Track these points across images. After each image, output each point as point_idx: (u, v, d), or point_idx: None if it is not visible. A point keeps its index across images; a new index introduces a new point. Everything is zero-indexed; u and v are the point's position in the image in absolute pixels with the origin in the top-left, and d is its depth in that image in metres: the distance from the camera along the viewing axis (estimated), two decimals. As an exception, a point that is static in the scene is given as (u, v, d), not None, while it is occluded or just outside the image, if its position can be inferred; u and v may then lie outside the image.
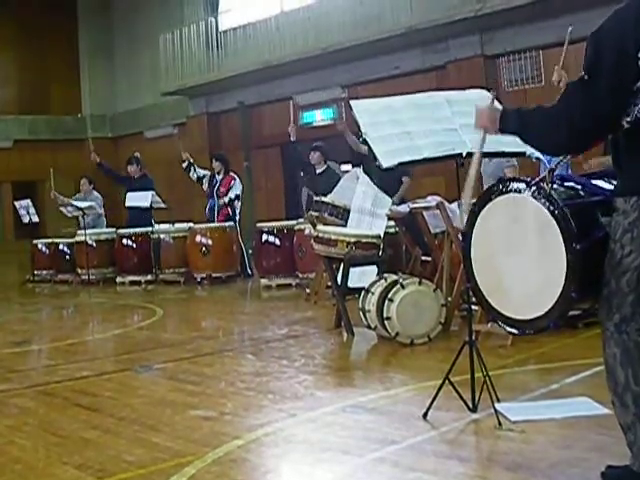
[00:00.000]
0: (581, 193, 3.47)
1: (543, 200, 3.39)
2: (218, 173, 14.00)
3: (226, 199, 13.75)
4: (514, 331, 3.72)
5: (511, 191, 3.59)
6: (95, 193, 15.72)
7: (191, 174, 14.34)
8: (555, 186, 3.44)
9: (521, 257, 3.58)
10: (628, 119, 3.05)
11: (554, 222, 3.32)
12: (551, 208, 3.34)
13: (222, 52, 21.02)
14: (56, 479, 4.05)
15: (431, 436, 4.34)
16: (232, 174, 14.05)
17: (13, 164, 24.49)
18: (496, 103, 3.70)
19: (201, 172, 14.29)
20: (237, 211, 14.01)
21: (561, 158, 3.88)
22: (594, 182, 3.51)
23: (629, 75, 3.00)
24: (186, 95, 22.39)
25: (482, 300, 3.84)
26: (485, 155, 6.26)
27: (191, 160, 14.36)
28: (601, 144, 3.60)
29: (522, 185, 3.53)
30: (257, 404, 5.28)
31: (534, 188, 3.45)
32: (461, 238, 4.04)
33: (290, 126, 11.70)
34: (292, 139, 11.79)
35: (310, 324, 8.57)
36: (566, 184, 3.51)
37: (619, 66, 3.01)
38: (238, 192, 13.85)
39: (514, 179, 3.65)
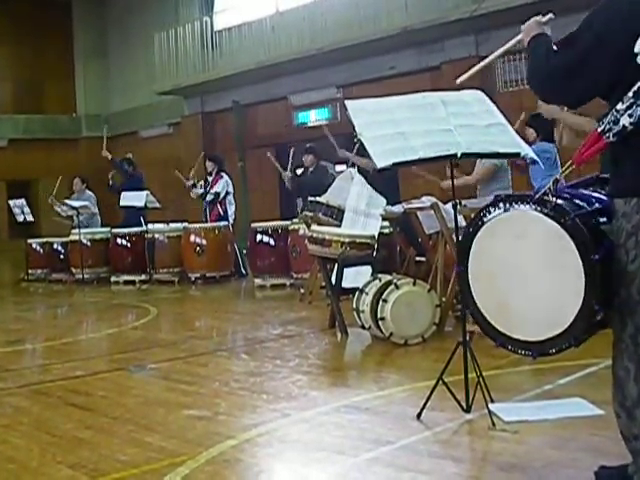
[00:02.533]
0: (579, 203, 3.34)
1: (551, 213, 3.25)
2: (210, 174, 14.02)
3: (209, 197, 13.77)
4: (528, 354, 3.50)
5: (511, 209, 3.44)
6: (88, 192, 15.72)
7: (192, 194, 14.35)
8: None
9: (529, 275, 3.40)
10: (631, 120, 3.00)
11: (566, 234, 3.19)
12: (562, 220, 3.21)
13: (217, 52, 21.01)
14: (50, 478, 4.05)
15: (425, 436, 4.34)
16: (221, 174, 14.03)
17: (7, 163, 24.45)
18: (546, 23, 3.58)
19: (200, 186, 14.25)
20: (230, 211, 14.00)
21: (566, 167, 3.84)
22: (583, 191, 3.43)
23: (622, 71, 3.00)
24: (181, 95, 22.39)
25: (486, 325, 3.65)
26: (479, 156, 6.28)
27: (195, 183, 14.34)
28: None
29: (524, 200, 3.39)
30: (251, 404, 5.28)
31: (539, 201, 3.31)
32: (457, 261, 3.87)
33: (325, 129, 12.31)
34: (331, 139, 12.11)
35: (304, 324, 8.57)
36: (562, 195, 3.37)
37: (603, 49, 3.02)
38: (218, 190, 13.79)
39: (512, 196, 3.49)
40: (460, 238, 3.76)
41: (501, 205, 3.50)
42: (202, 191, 13.97)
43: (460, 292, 3.89)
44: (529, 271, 3.41)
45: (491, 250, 3.57)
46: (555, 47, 3.23)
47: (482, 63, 4.06)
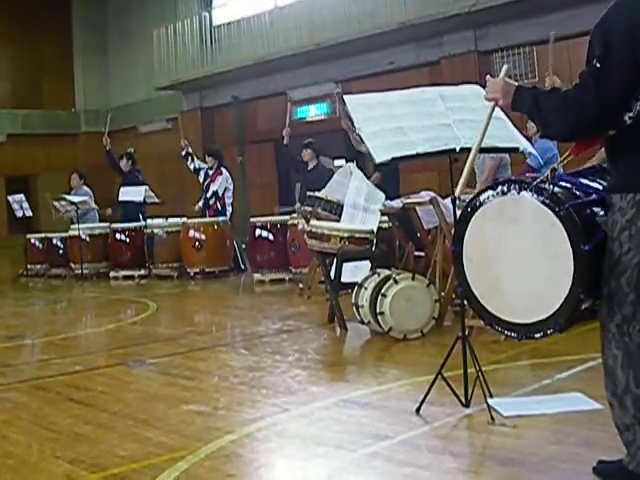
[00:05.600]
0: (576, 192, 3.38)
1: (547, 201, 3.30)
2: (211, 168, 14.03)
3: (208, 194, 13.78)
4: (513, 335, 3.59)
5: (509, 192, 3.50)
6: (85, 188, 15.68)
7: (189, 163, 14.37)
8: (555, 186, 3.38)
9: (521, 259, 3.49)
10: (630, 114, 3.03)
11: (559, 223, 3.25)
12: (556, 209, 3.26)
13: (216, 47, 21.01)
14: (49, 473, 4.05)
15: (424, 431, 4.34)
16: (221, 169, 14.03)
17: (6, 158, 24.45)
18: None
19: (199, 164, 14.29)
20: (227, 206, 13.99)
21: (564, 157, 3.85)
22: (583, 181, 3.48)
23: (638, 66, 2.98)
24: (180, 90, 22.38)
25: (476, 305, 3.74)
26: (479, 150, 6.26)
27: (189, 150, 14.38)
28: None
29: (522, 186, 3.44)
30: (250, 399, 5.28)
31: (536, 188, 3.36)
32: (452, 241, 3.93)
33: (285, 130, 11.96)
34: (285, 142, 12.05)
35: (303, 319, 8.57)
36: (559, 183, 3.42)
37: (629, 57, 2.98)
38: (216, 188, 13.79)
39: (511, 180, 3.54)
40: (457, 218, 3.81)
41: (499, 189, 3.56)
42: (200, 166, 13.98)
43: (455, 270, 3.94)
44: (521, 255, 3.50)
45: (486, 232, 3.65)
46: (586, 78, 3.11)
47: (469, 162, 3.75)
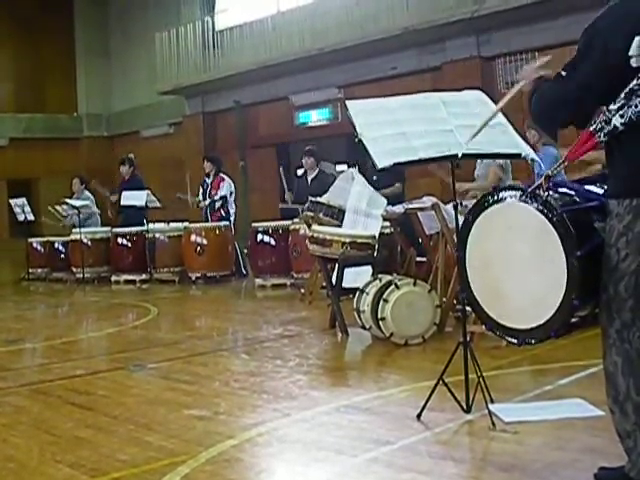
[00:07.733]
0: (576, 199, 3.41)
1: (541, 207, 3.34)
2: (207, 175, 13.98)
3: (217, 204, 13.69)
4: (513, 341, 3.61)
5: (507, 199, 3.54)
6: (87, 193, 15.70)
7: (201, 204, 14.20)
8: (551, 192, 3.41)
9: (519, 265, 3.52)
10: (622, 120, 3.04)
11: (553, 229, 3.27)
12: (549, 215, 3.29)
13: (218, 52, 20.99)
14: (49, 478, 4.05)
15: (425, 437, 4.34)
16: (222, 175, 13.96)
17: (8, 162, 24.42)
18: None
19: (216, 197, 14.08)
20: (231, 211, 13.97)
21: (558, 164, 3.85)
22: (587, 187, 3.48)
23: (617, 74, 3.03)
24: (182, 94, 22.37)
25: (479, 310, 3.79)
26: (479, 156, 6.27)
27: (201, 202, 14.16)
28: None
29: (518, 193, 3.48)
30: (251, 404, 5.28)
31: (530, 195, 3.40)
32: (456, 247, 3.99)
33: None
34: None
35: (304, 324, 8.57)
36: (560, 190, 3.45)
37: (605, 64, 3.05)
38: (224, 193, 13.72)
39: (509, 187, 3.60)
40: (461, 225, 3.87)
41: (498, 195, 3.62)
42: (209, 200, 13.84)
43: (459, 276, 3.98)
44: (519, 261, 3.54)
45: (486, 238, 3.71)
46: (563, 72, 3.24)
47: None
